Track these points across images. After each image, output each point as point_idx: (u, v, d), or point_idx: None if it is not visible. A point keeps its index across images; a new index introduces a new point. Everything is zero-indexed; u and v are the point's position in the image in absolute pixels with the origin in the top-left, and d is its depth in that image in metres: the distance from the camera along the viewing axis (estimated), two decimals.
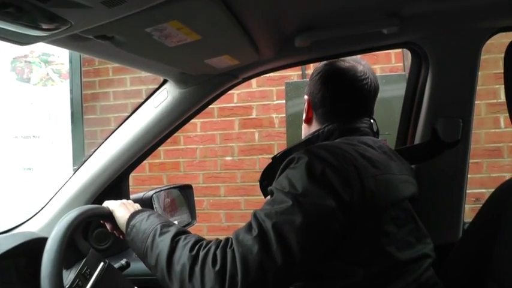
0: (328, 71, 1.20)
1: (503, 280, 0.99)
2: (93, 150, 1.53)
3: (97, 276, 1.07)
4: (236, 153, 3.80)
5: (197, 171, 3.82)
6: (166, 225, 1.01)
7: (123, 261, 1.36)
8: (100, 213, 1.15)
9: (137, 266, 1.45)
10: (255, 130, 3.78)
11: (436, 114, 1.36)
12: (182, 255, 0.91)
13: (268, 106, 3.75)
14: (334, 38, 1.22)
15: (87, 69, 3.86)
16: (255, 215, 0.92)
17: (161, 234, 0.98)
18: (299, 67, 3.58)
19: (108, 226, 1.20)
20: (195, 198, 1.84)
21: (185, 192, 1.95)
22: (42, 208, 1.53)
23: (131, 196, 1.61)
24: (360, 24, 1.16)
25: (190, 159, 3.81)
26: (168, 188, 1.81)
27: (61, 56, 3.67)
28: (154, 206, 1.59)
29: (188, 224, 1.78)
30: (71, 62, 3.62)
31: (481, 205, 1.16)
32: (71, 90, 3.59)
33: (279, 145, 3.73)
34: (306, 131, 1.25)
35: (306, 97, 1.23)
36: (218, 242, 0.93)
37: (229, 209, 3.74)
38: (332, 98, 1.18)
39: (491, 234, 1.06)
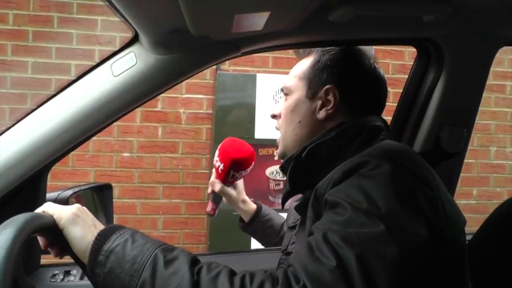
0: (351, 56, 1.03)
1: None
2: (3, 128, 1.09)
3: None
4: (135, 149, 3.37)
5: (88, 168, 3.29)
6: (167, 248, 0.73)
7: None
8: (45, 225, 0.76)
9: None
10: (158, 125, 3.40)
11: (442, 122, 1.26)
12: None
13: (175, 99, 3.41)
14: (371, 18, 1.05)
15: None
16: (325, 237, 0.68)
17: (167, 263, 0.69)
18: None
19: (41, 241, 0.81)
20: None
21: (103, 193, 1.64)
22: None
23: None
24: (409, 4, 0.97)
25: (81, 152, 3.25)
26: (87, 188, 1.46)
27: None
28: None
29: None
30: None
31: None
32: None
33: (184, 144, 3.41)
34: (315, 128, 0.99)
35: (330, 86, 0.98)
36: (268, 275, 0.69)
37: (123, 213, 3.27)
38: (362, 88, 1.00)
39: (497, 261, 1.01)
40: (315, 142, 0.93)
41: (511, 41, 1.24)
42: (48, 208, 0.78)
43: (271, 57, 3.48)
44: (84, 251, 0.74)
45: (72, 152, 3.43)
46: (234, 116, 2.88)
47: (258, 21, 0.87)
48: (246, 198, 1.38)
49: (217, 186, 1.30)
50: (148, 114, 3.37)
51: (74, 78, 1.08)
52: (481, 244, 1.11)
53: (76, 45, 3.22)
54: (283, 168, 1.02)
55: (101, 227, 0.78)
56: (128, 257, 0.70)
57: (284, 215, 1.46)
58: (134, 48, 1.04)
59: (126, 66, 1.04)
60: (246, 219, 1.39)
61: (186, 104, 3.42)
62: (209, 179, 1.35)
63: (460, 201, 3.72)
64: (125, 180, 3.33)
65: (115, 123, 3.26)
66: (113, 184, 3.41)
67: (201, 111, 3.43)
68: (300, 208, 0.98)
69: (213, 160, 1.35)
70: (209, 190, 1.34)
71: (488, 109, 3.71)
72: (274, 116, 1.09)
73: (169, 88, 1.10)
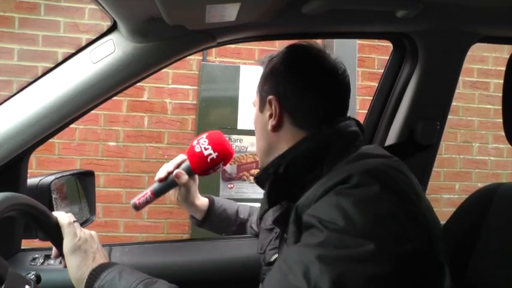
0: (301, 57, 0.93)
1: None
2: None
3: None
4: (121, 138, 3.37)
5: (74, 156, 3.29)
6: (149, 282, 0.85)
7: (32, 275, 0.99)
8: (18, 205, 0.78)
9: (49, 278, 1.09)
10: (144, 114, 3.40)
11: (416, 115, 1.29)
12: None
13: (162, 90, 3.41)
14: (345, 12, 1.06)
15: None
16: (299, 260, 0.68)
17: None
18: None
19: (53, 251, 0.95)
20: None
21: (85, 180, 1.64)
22: None
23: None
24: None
25: (67, 141, 3.24)
26: (69, 174, 1.46)
27: None
28: (52, 195, 1.27)
29: (86, 221, 1.44)
30: None
31: None
32: None
33: (169, 134, 3.42)
34: (272, 140, 0.93)
35: (271, 96, 0.91)
36: None
37: (109, 202, 3.26)
38: (315, 93, 0.90)
39: (463, 244, 1.01)
40: (289, 156, 0.87)
41: (482, 38, 1.28)
42: (64, 228, 0.90)
43: (257, 49, 3.49)
44: (77, 280, 0.87)
45: (58, 140, 3.42)
46: (217, 106, 2.90)
47: (230, 11, 0.89)
48: (199, 194, 1.28)
49: (184, 177, 1.14)
50: (135, 104, 3.37)
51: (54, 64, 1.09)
52: (452, 228, 1.14)
53: (63, 33, 3.20)
54: (258, 181, 0.95)
55: (99, 259, 0.90)
56: None
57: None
58: (113, 36, 1.06)
59: (104, 53, 1.05)
60: (200, 216, 1.29)
61: (172, 95, 3.42)
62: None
63: (443, 196, 3.78)
64: (110, 169, 3.33)
65: (101, 112, 3.31)
66: (98, 173, 3.45)
67: (187, 101, 3.44)
68: (278, 221, 0.93)
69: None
70: (161, 175, 1.13)
71: (472, 106, 3.76)
72: None
73: (147, 76, 1.12)
